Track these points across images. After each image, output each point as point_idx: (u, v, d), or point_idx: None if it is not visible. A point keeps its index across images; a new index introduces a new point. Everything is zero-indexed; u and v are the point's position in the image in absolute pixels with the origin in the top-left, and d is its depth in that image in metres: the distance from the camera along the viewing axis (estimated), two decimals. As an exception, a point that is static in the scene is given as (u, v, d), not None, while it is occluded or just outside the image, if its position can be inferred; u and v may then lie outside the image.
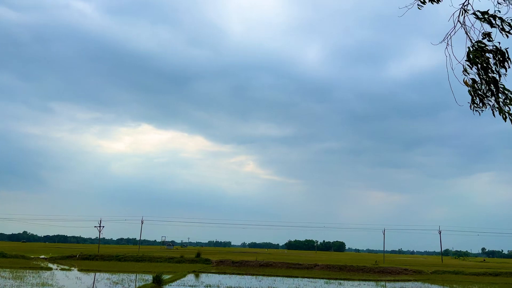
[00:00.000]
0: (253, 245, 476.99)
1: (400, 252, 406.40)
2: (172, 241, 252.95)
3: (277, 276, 39.53)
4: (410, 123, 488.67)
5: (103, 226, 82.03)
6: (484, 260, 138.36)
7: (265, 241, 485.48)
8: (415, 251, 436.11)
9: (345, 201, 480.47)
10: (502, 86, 6.68)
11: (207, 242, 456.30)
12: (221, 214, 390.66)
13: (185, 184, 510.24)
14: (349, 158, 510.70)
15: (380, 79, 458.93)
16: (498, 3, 6.62)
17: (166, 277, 32.11)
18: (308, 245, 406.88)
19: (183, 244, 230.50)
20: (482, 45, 6.56)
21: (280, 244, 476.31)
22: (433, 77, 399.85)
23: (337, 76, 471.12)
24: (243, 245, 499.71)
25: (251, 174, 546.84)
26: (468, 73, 6.65)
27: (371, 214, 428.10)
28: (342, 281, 36.38)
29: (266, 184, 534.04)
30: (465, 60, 6.65)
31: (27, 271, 36.29)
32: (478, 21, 6.64)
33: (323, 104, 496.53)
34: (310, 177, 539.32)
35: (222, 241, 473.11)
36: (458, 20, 6.66)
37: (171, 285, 28.57)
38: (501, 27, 6.52)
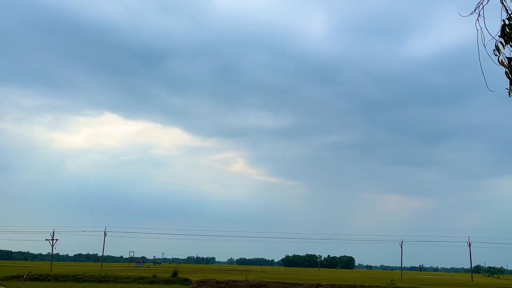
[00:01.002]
0: (243, 261, 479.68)
1: (421, 269, 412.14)
2: (143, 258, 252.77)
3: (272, 299, 39.59)
4: (435, 112, 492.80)
5: (57, 239, 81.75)
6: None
7: (257, 257, 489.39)
8: (439, 267, 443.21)
9: (355, 207, 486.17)
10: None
11: (185, 258, 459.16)
12: (203, 224, 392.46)
13: (159, 187, 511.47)
14: (360, 154, 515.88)
15: (398, 58, 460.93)
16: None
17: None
18: (310, 261, 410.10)
19: (156, 261, 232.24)
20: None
21: (276, 260, 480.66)
22: (463, 56, 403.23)
23: (346, 53, 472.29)
24: (230, 261, 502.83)
25: (240, 174, 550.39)
26: (500, 52, 6.48)
27: (386, 223, 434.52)
28: (351, 305, 36.65)
29: (258, 187, 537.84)
30: (499, 36, 6.52)
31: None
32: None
33: (328, 88, 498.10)
34: (313, 178, 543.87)
35: (205, 257, 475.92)
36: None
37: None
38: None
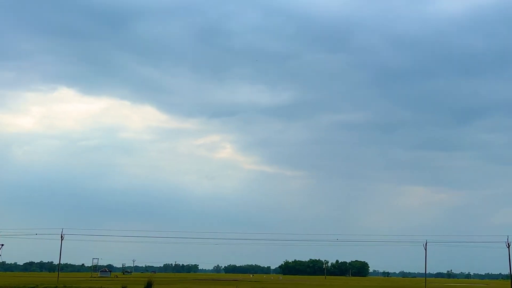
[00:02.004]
0: (232, 269, 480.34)
1: (450, 275, 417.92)
2: (109, 266, 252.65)
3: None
4: (469, 83, 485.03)
5: (2, 245, 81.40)
6: None
7: (250, 263, 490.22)
8: (471, 273, 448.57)
9: (370, 202, 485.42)
10: None
11: (162, 266, 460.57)
12: (183, 225, 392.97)
13: (128, 180, 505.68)
14: (376, 137, 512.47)
15: (424, 16, 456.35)
16: None
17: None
18: (314, 267, 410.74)
19: (125, 270, 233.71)
20: None
21: (273, 267, 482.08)
22: (505, 13, 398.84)
23: (359, 13, 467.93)
24: (217, 269, 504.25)
25: (228, 163, 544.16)
26: None
27: (407, 220, 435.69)
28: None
29: (251, 179, 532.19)
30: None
31: None
32: None
33: (337, 56, 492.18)
34: (318, 167, 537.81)
35: (186, 265, 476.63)
36: None
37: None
38: None
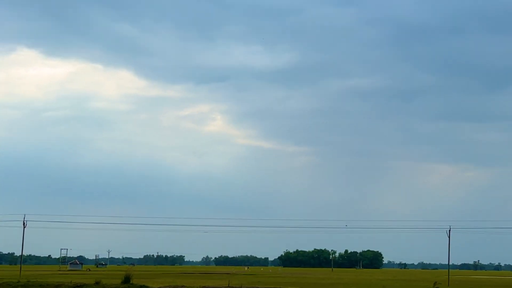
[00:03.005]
0: (224, 261, 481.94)
1: (476, 266, 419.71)
2: (81, 258, 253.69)
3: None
4: (505, 41, 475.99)
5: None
6: None
7: (245, 254, 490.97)
8: (502, 264, 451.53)
9: (385, 182, 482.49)
10: None
11: (142, 257, 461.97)
12: (166, 210, 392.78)
13: (102, 157, 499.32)
14: (393, 106, 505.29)
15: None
16: None
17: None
18: (319, 258, 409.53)
19: (99, 262, 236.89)
20: None
21: (271, 258, 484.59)
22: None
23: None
24: (206, 261, 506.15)
25: (219, 137, 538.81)
26: None
27: (428, 203, 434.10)
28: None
29: (246, 156, 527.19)
30: None
31: None
32: None
33: (348, 9, 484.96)
34: (325, 142, 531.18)
35: (170, 256, 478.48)
36: None
37: None
38: None
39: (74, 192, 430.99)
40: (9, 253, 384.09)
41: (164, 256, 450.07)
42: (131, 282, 59.91)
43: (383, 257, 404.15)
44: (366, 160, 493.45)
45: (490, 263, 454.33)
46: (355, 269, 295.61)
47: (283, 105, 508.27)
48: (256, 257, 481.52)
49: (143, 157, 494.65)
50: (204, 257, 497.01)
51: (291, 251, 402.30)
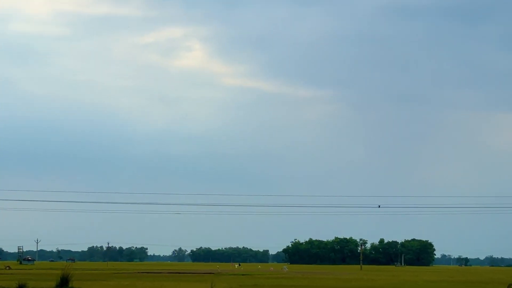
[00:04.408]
0: (205, 255, 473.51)
1: None
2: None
3: None
4: None
5: None
6: None
7: (235, 246, 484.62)
8: None
9: (438, 143, 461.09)
10: None
11: (86, 250, 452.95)
12: (122, 183, 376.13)
13: (25, 105, 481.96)
14: (454, 29, 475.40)
15: None
16: None
17: None
18: (342, 251, 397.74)
19: (24, 257, 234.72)
20: None
21: (273, 252, 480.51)
22: None
23: None
24: (179, 255, 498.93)
25: (198, 76, 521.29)
26: None
27: (502, 173, 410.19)
28: None
29: (237, 103, 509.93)
30: None
31: None
32: None
33: None
34: (353, 82, 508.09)
35: (126, 248, 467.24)
36: None
37: None
38: None
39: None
40: None
41: (117, 248, 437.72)
42: (69, 285, 55.84)
43: (434, 250, 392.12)
44: (412, 109, 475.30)
45: None
46: (394, 266, 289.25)
47: (292, 27, 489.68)
48: (251, 250, 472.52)
49: (86, 104, 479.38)
50: (175, 250, 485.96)
51: (302, 241, 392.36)
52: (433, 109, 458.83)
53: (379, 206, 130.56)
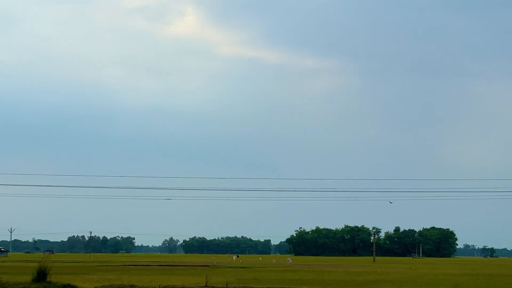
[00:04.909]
0: (199, 246, 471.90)
1: None
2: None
3: None
4: None
5: None
6: None
7: (233, 235, 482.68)
8: None
9: (463, 119, 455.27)
10: None
11: (66, 240, 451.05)
12: (105, 165, 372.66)
13: None
14: None
15: None
16: None
17: None
18: (353, 241, 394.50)
19: None
20: None
21: (275, 242, 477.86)
22: None
23: None
24: (169, 246, 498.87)
25: (191, 44, 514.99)
26: None
27: None
28: None
29: (235, 75, 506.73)
30: None
31: None
32: None
33: None
34: (367, 50, 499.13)
35: (111, 238, 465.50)
36: None
37: None
38: None
39: None
40: None
41: (101, 238, 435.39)
42: (47, 279, 53.75)
43: (456, 239, 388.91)
44: (434, 81, 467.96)
45: None
46: (411, 258, 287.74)
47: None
48: (251, 240, 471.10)
49: (63, 76, 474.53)
50: (166, 240, 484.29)
51: (307, 229, 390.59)
52: (457, 80, 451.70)
53: (390, 201, 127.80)
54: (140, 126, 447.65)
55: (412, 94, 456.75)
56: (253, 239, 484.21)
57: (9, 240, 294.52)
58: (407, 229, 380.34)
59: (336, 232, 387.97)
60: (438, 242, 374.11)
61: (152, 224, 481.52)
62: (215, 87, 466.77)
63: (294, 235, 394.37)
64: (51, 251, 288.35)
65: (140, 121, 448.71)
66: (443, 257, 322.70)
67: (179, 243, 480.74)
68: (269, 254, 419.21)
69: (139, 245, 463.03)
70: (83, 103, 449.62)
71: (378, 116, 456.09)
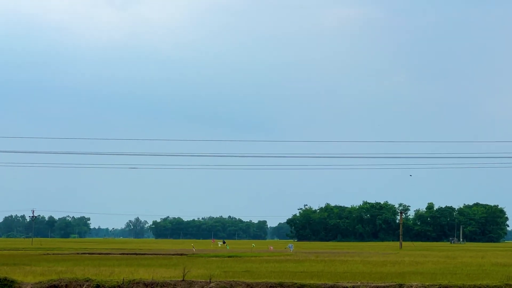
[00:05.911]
0: (174, 228, 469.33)
1: None
2: None
3: None
4: None
5: None
6: None
7: (218, 215, 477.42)
8: None
9: None
10: None
11: (2, 220, 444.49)
12: (56, 123, 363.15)
13: None
14: None
15: None
16: None
17: None
18: (374, 222, 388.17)
19: None
20: None
21: (273, 224, 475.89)
22: None
23: None
24: (135, 229, 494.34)
25: None
26: None
27: None
28: None
29: (226, 6, 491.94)
30: None
31: None
32: None
33: None
34: None
35: (60, 219, 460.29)
36: None
37: None
38: None
39: None
40: None
41: (46, 219, 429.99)
42: None
43: (507, 219, 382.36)
44: (475, 16, 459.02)
45: None
46: (449, 243, 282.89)
47: None
48: (241, 222, 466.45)
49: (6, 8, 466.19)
50: (130, 221, 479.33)
51: (315, 207, 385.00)
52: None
53: (411, 175, 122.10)
54: (96, 72, 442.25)
55: (448, 30, 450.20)
56: (244, 220, 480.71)
57: None
58: (443, 207, 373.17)
59: (351, 210, 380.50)
60: (484, 223, 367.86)
61: (112, 200, 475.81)
62: (198, 22, 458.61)
63: (298, 214, 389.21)
64: None
65: (97, 66, 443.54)
66: (490, 242, 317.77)
67: (147, 225, 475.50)
68: (265, 239, 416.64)
69: (96, 227, 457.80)
70: (25, 43, 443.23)
71: (404, 58, 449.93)
